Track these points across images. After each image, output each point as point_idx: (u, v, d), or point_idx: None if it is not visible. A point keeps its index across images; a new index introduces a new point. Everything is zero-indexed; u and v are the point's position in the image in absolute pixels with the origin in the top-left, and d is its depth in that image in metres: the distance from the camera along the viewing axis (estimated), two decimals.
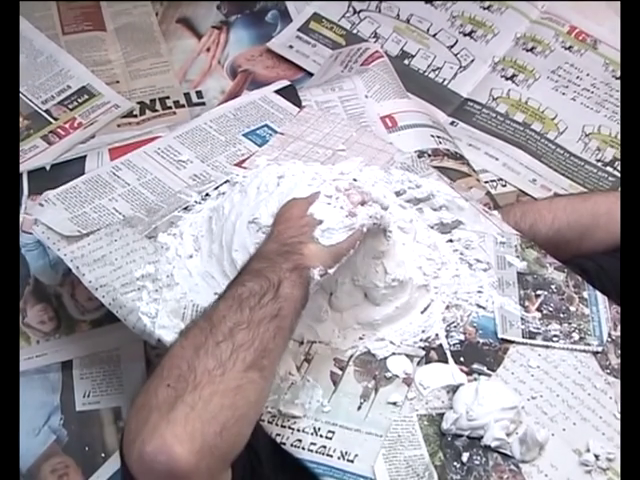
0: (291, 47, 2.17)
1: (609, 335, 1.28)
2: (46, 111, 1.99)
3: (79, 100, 2.01)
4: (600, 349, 1.26)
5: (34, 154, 1.91)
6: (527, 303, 1.31)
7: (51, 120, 1.97)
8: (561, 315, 1.30)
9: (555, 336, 1.27)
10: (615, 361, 1.25)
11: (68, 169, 1.65)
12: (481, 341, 1.26)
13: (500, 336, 1.27)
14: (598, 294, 1.33)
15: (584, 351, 1.26)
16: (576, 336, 1.27)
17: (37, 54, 2.07)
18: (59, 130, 1.96)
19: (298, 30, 2.20)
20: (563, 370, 1.24)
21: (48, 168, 1.68)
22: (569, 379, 1.23)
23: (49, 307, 1.56)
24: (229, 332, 1.03)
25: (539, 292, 1.33)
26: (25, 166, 1.79)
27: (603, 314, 1.31)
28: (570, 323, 1.29)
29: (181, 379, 0.99)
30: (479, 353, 1.24)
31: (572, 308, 1.31)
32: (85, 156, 1.69)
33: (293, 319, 1.09)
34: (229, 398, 0.99)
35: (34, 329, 1.55)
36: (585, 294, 1.33)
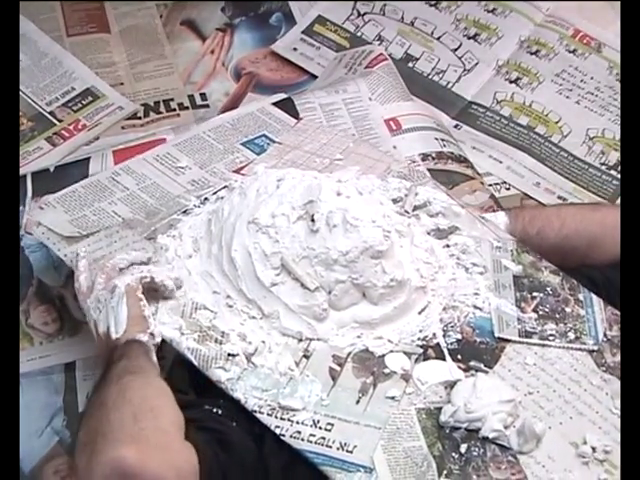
0: (295, 50, 2.20)
1: (604, 335, 1.32)
2: (50, 113, 2.02)
3: (83, 102, 2.04)
4: (596, 348, 1.30)
5: (38, 156, 1.94)
6: (523, 304, 1.35)
7: (55, 122, 2.00)
8: (557, 316, 1.34)
9: (551, 335, 1.31)
10: (611, 359, 1.29)
11: (72, 171, 1.68)
12: (478, 340, 1.30)
13: (497, 335, 1.30)
14: (593, 296, 1.37)
15: (580, 350, 1.30)
16: (572, 335, 1.32)
17: (41, 56, 2.11)
18: (63, 132, 1.98)
19: (302, 33, 2.23)
20: (559, 367, 1.28)
21: (52, 170, 1.72)
22: (565, 376, 1.27)
23: (52, 308, 1.59)
24: None
25: (535, 294, 1.37)
26: (29, 168, 1.83)
27: (598, 315, 1.35)
28: (566, 323, 1.33)
29: None
30: (476, 351, 1.28)
31: (567, 309, 1.35)
32: (89, 158, 1.73)
33: None
34: None
35: (37, 330, 1.58)
36: (580, 296, 1.37)
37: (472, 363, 1.26)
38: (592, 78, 2.12)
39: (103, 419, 1.09)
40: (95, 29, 2.22)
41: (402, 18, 2.23)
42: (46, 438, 1.50)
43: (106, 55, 2.17)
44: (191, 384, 1.32)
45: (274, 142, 1.65)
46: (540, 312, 1.34)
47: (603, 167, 1.99)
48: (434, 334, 1.29)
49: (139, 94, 2.10)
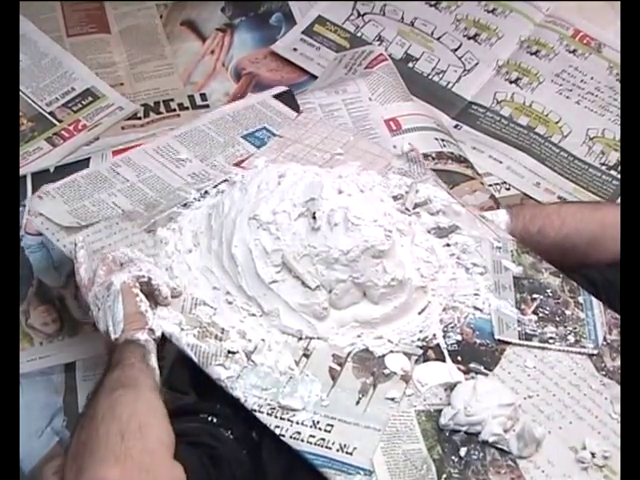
0: (295, 50, 2.20)
1: (604, 339, 1.32)
2: (50, 113, 2.02)
3: (83, 102, 2.05)
4: (595, 352, 1.30)
5: (38, 156, 1.94)
6: (523, 306, 1.35)
7: (55, 122, 2.00)
8: (557, 318, 1.34)
9: (551, 338, 1.31)
10: (610, 363, 1.29)
11: (72, 171, 1.66)
12: (478, 341, 1.30)
13: (497, 337, 1.30)
14: (593, 299, 1.37)
15: (580, 353, 1.30)
16: (572, 339, 1.32)
17: (41, 56, 2.11)
18: (63, 132, 1.99)
19: (302, 33, 2.24)
20: (559, 371, 1.28)
21: (52, 170, 1.73)
22: (565, 379, 1.27)
23: (52, 309, 1.60)
24: None
25: (535, 296, 1.37)
26: (29, 168, 1.84)
27: (598, 318, 1.34)
28: (566, 326, 1.33)
29: None
30: (476, 353, 1.28)
31: (568, 312, 1.35)
32: (89, 158, 1.74)
33: None
34: None
35: (37, 331, 1.59)
36: (580, 299, 1.37)
37: (472, 365, 1.26)
38: (592, 78, 2.12)
39: (92, 433, 1.09)
40: (95, 29, 2.22)
41: (402, 18, 2.23)
42: (46, 438, 1.51)
43: (106, 55, 2.17)
44: (191, 384, 1.32)
45: (275, 135, 1.64)
46: (540, 314, 1.34)
47: (603, 167, 1.99)
48: (434, 335, 1.29)
49: (139, 94, 2.11)
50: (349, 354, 1.26)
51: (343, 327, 1.29)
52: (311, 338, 1.27)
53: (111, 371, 1.17)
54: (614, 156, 2.00)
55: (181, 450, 1.12)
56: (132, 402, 1.13)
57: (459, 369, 1.25)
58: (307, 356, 1.25)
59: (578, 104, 2.09)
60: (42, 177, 1.69)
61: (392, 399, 1.21)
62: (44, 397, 1.55)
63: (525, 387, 1.25)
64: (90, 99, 2.06)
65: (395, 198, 1.47)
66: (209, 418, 1.22)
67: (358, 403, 1.20)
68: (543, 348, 1.30)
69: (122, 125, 2.04)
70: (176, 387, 1.29)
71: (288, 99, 1.75)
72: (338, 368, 1.24)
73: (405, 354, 1.26)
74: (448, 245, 1.43)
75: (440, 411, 1.20)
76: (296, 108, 1.72)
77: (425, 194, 1.49)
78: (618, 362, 1.28)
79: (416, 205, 1.47)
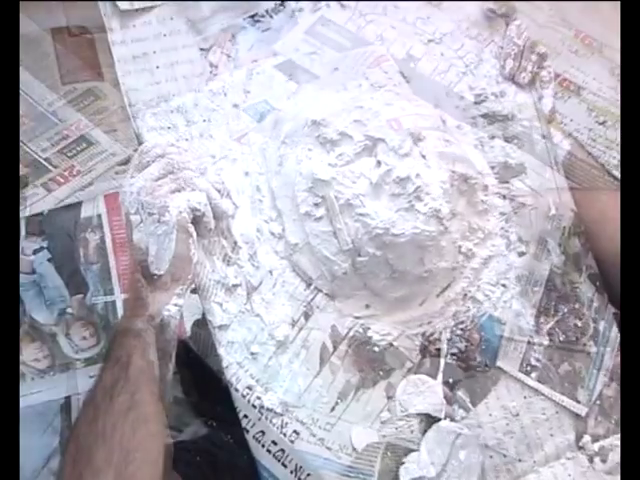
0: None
1: (600, 394, 1.29)
2: (46, 159, 2.02)
3: (78, 148, 2.05)
4: (584, 413, 1.27)
5: (34, 201, 1.94)
6: (542, 319, 1.32)
7: (51, 168, 2.01)
8: (567, 349, 1.31)
9: (549, 378, 1.28)
10: (592, 430, 1.26)
11: (64, 214, 1.78)
12: (478, 359, 1.29)
13: (498, 364, 1.29)
14: (613, 331, 1.33)
15: (565, 408, 1.28)
16: (568, 386, 1.28)
17: (36, 104, 2.11)
18: (58, 178, 1.99)
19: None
20: (539, 431, 1.26)
21: (45, 212, 1.79)
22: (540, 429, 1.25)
23: (44, 346, 1.62)
24: None
25: (560, 307, 1.33)
26: (24, 213, 1.86)
27: (605, 362, 1.30)
28: (570, 363, 1.30)
29: None
30: (470, 376, 1.27)
31: (581, 341, 1.32)
32: (81, 202, 1.81)
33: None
34: None
35: (29, 366, 1.60)
36: (601, 326, 1.33)
37: (459, 394, 1.25)
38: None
39: (92, 441, 1.10)
40: (88, 77, 2.20)
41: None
42: (46, 438, 1.54)
43: (99, 102, 2.16)
44: (193, 384, 1.33)
45: (274, 109, 1.65)
46: (553, 337, 1.31)
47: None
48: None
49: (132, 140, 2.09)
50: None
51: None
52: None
53: (111, 368, 1.18)
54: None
55: (180, 459, 1.13)
56: (135, 413, 1.13)
57: (445, 395, 1.24)
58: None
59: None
60: (35, 219, 1.77)
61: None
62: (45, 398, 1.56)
63: (502, 432, 1.24)
64: (84, 145, 2.06)
65: (397, 179, 1.45)
66: (209, 422, 1.22)
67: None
68: (536, 390, 1.28)
69: (116, 170, 2.03)
70: (177, 387, 1.29)
71: (287, 69, 1.75)
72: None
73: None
74: (504, 197, 1.40)
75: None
76: (295, 80, 1.72)
77: (426, 180, 1.46)
78: (600, 430, 1.26)
79: (416, 188, 1.45)
